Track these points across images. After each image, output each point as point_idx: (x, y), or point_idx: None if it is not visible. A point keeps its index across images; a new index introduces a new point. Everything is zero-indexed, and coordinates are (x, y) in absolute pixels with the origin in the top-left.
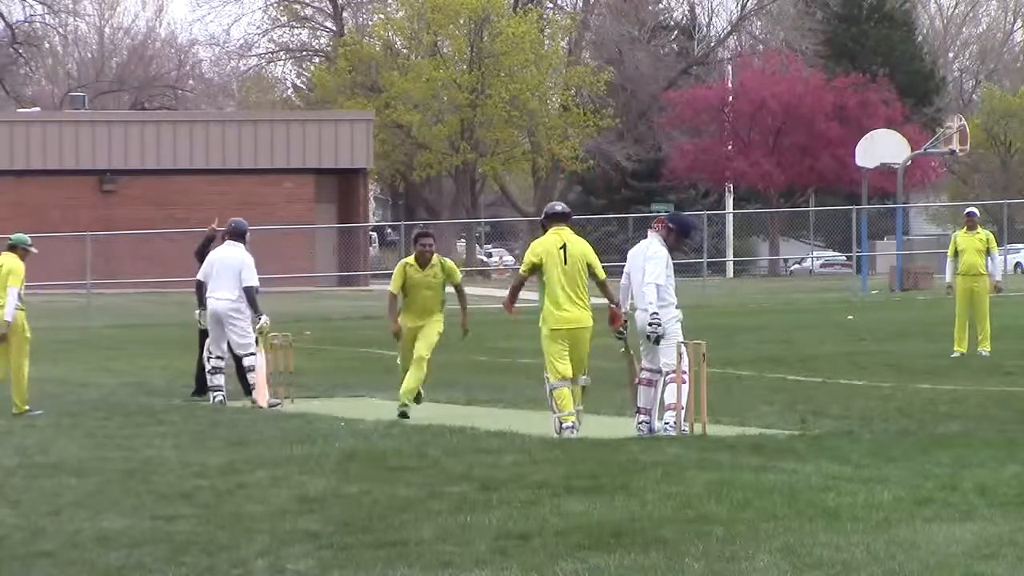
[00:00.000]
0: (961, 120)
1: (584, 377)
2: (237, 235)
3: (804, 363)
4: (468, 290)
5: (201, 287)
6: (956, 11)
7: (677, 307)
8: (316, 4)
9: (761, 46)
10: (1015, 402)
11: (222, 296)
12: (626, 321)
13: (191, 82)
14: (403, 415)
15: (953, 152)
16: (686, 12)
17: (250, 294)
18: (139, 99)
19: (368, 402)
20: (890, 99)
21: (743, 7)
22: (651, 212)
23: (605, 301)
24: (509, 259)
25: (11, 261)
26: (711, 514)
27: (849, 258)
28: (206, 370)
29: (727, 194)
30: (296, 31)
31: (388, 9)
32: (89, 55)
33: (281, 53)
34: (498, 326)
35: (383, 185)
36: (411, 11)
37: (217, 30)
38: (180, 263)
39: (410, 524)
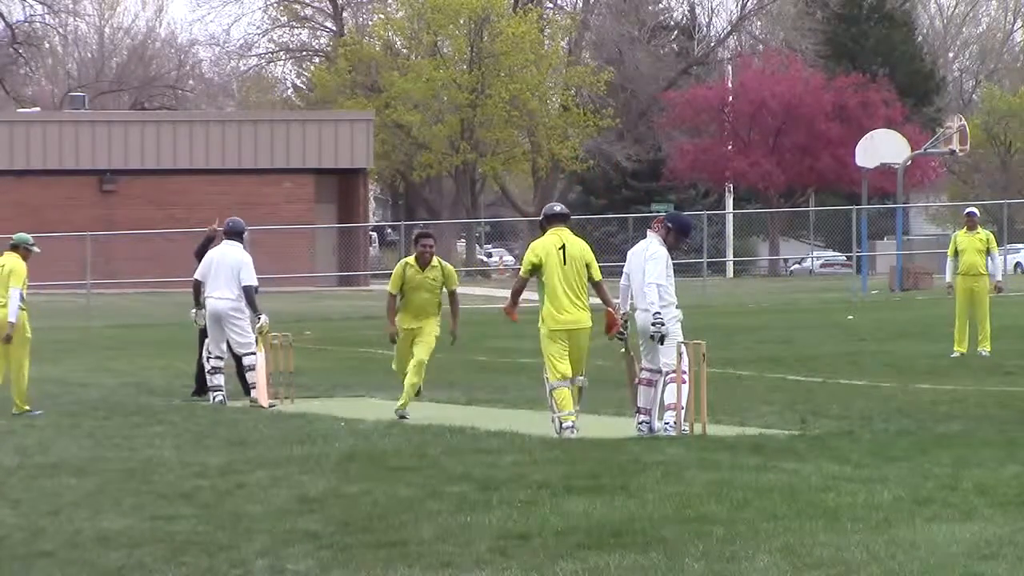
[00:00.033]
0: (961, 120)
1: (581, 378)
2: (234, 234)
3: (804, 363)
4: (468, 290)
5: (198, 287)
6: (956, 11)
7: (677, 307)
8: (316, 4)
9: (761, 46)
10: (1015, 402)
11: (222, 296)
12: (626, 322)
13: (191, 82)
14: (402, 416)
15: (953, 152)
16: (686, 12)
17: (249, 293)
18: (139, 99)
19: (368, 402)
20: (890, 99)
21: (743, 7)
22: (651, 212)
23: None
24: (509, 259)
25: (13, 261)
26: (711, 514)
27: (849, 258)
28: (206, 370)
29: (727, 194)
30: (296, 31)
31: (388, 9)
32: (89, 55)
33: (281, 53)
34: (498, 326)
35: (383, 185)
36: (411, 11)
37: (217, 30)
38: (180, 263)
39: (410, 524)
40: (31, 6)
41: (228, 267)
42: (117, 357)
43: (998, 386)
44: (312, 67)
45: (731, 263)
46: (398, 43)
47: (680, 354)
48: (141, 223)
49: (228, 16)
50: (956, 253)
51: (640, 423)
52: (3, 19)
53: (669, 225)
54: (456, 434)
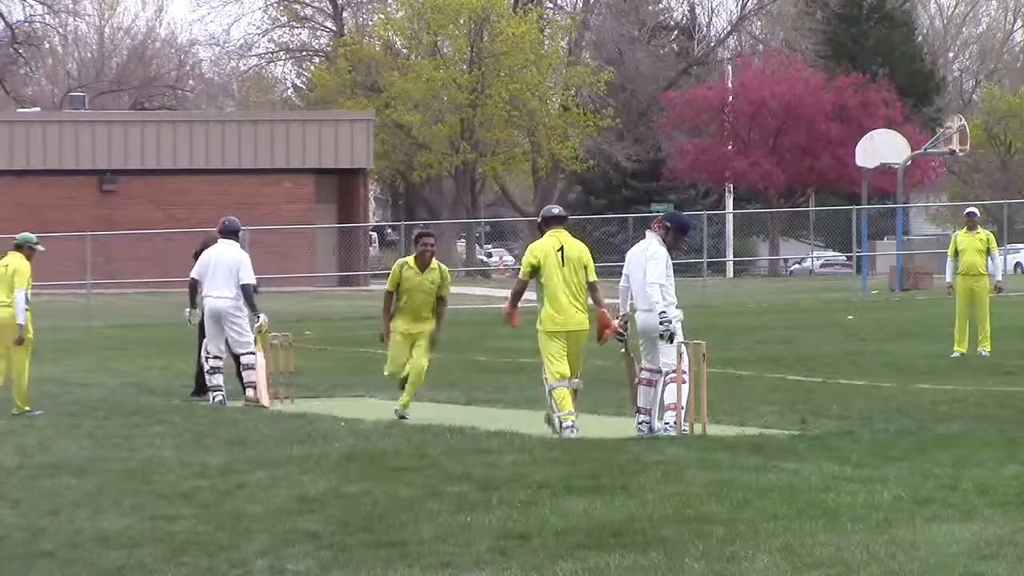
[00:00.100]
0: (961, 120)
1: (576, 381)
2: (230, 233)
3: (804, 363)
4: (468, 290)
5: (195, 286)
6: (956, 11)
7: (677, 307)
8: (316, 4)
9: (761, 46)
10: (1015, 402)
11: (221, 295)
12: (626, 323)
13: (191, 82)
14: (402, 416)
15: (953, 152)
16: (686, 12)
17: (247, 292)
18: (139, 99)
19: (368, 402)
20: (890, 99)
21: (743, 7)
22: (651, 212)
23: (611, 303)
24: (509, 259)
25: (16, 261)
26: (711, 514)
27: (849, 258)
28: (205, 370)
29: (727, 194)
30: (296, 31)
31: (388, 9)
32: (89, 55)
33: (281, 53)
34: (498, 326)
35: (383, 185)
36: (411, 11)
37: (217, 30)
38: (180, 263)
39: (410, 524)
40: (31, 6)
41: (226, 266)
42: (117, 357)
43: (998, 386)
44: (312, 67)
45: (731, 263)
46: (398, 43)
47: (680, 354)
48: (141, 223)
49: (228, 16)
50: (956, 253)
51: (640, 423)
52: (3, 19)
53: (668, 225)
54: (456, 434)
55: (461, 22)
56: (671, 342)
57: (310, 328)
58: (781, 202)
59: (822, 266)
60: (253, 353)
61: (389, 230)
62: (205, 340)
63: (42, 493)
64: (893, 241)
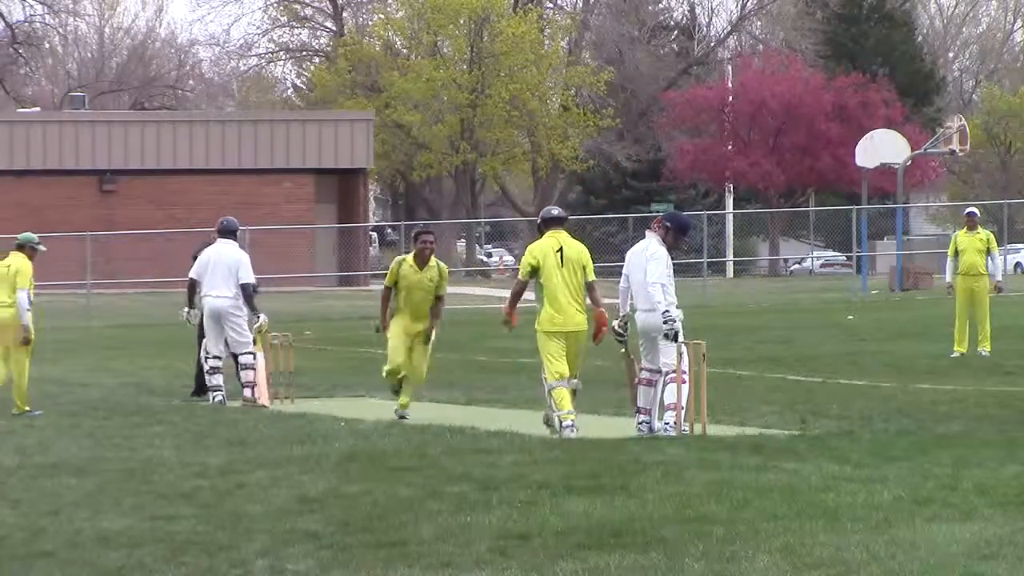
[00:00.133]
0: (961, 120)
1: (575, 381)
2: (229, 233)
3: (804, 363)
4: (468, 290)
5: (193, 285)
6: (956, 11)
7: (678, 307)
8: (316, 4)
9: (761, 46)
10: (1015, 402)
11: (221, 294)
12: (626, 323)
13: (191, 82)
14: (402, 416)
15: (953, 152)
16: (686, 12)
17: (247, 292)
18: (139, 99)
19: (368, 402)
20: (890, 99)
21: (743, 7)
22: (651, 212)
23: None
24: (509, 259)
25: (18, 261)
26: (711, 514)
27: (849, 258)
28: (204, 370)
29: (727, 194)
30: (296, 31)
31: (388, 9)
32: (89, 55)
33: (281, 53)
34: (498, 326)
35: (383, 185)
36: (411, 11)
37: (217, 30)
38: (180, 263)
39: (410, 524)
40: (31, 6)
41: (225, 266)
42: (117, 357)
43: (998, 386)
44: (312, 67)
45: (731, 263)
46: (398, 43)
47: (680, 354)
48: (141, 223)
49: (228, 16)
50: (956, 253)
51: (640, 423)
52: (3, 19)
53: (668, 225)
54: (456, 434)
55: (461, 22)
56: (676, 340)
57: (310, 328)
58: (781, 202)
59: (822, 266)
60: (251, 353)
61: (389, 230)
62: (204, 340)
63: (42, 493)
64: (893, 241)
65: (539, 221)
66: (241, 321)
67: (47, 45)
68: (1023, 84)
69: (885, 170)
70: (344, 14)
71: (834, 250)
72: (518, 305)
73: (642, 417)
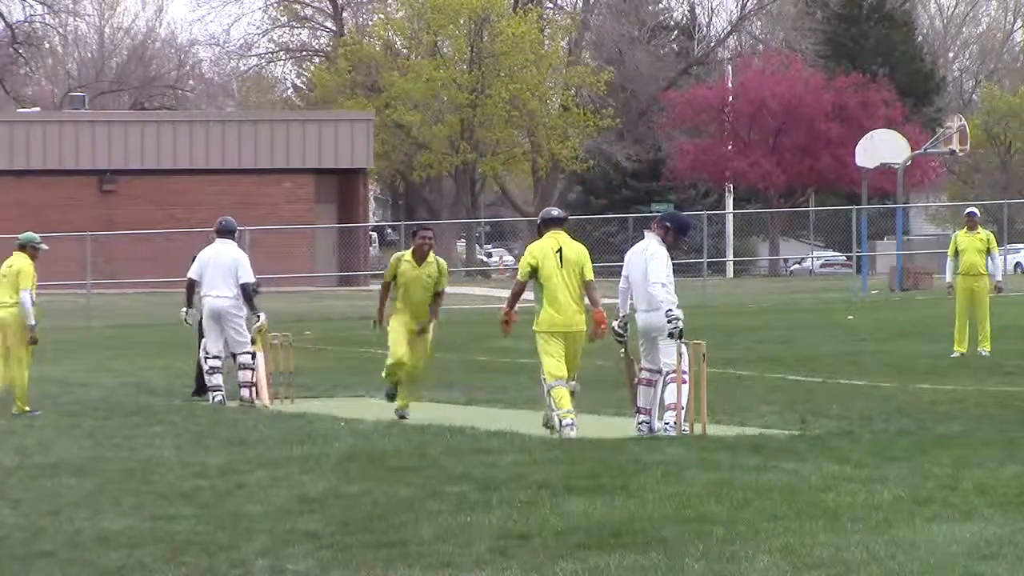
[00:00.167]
0: (961, 120)
1: (573, 383)
2: (227, 232)
3: (804, 363)
4: (468, 290)
5: (192, 286)
6: (956, 11)
7: (678, 307)
8: (316, 4)
9: (761, 46)
10: (1015, 402)
11: (221, 294)
12: (626, 323)
13: (191, 82)
14: (402, 416)
15: (953, 152)
16: (686, 12)
17: (247, 291)
18: (139, 99)
19: (368, 402)
20: (890, 99)
21: (743, 7)
22: (651, 212)
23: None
24: (509, 259)
25: (20, 261)
26: (711, 514)
27: (849, 258)
28: (204, 370)
29: (727, 194)
30: (296, 31)
31: (388, 9)
32: (89, 55)
33: (281, 53)
34: (497, 326)
35: (383, 185)
36: (411, 11)
37: (217, 30)
38: (180, 263)
39: (410, 524)
40: (31, 6)
41: (225, 266)
42: (117, 357)
43: (998, 386)
44: (312, 67)
45: (731, 263)
46: (398, 43)
47: (680, 354)
48: (141, 223)
49: (228, 16)
50: (956, 253)
51: (640, 423)
52: (3, 19)
53: (667, 225)
54: (456, 434)
55: (461, 22)
56: (681, 338)
57: (310, 328)
58: (781, 202)
59: (822, 266)
60: (250, 353)
61: (389, 230)
62: (204, 340)
63: (42, 493)
64: (893, 241)
65: (539, 221)
66: (241, 321)
67: (47, 45)
68: (1023, 84)
69: (885, 170)
70: (344, 14)
71: (834, 250)
72: (516, 306)
73: (642, 417)
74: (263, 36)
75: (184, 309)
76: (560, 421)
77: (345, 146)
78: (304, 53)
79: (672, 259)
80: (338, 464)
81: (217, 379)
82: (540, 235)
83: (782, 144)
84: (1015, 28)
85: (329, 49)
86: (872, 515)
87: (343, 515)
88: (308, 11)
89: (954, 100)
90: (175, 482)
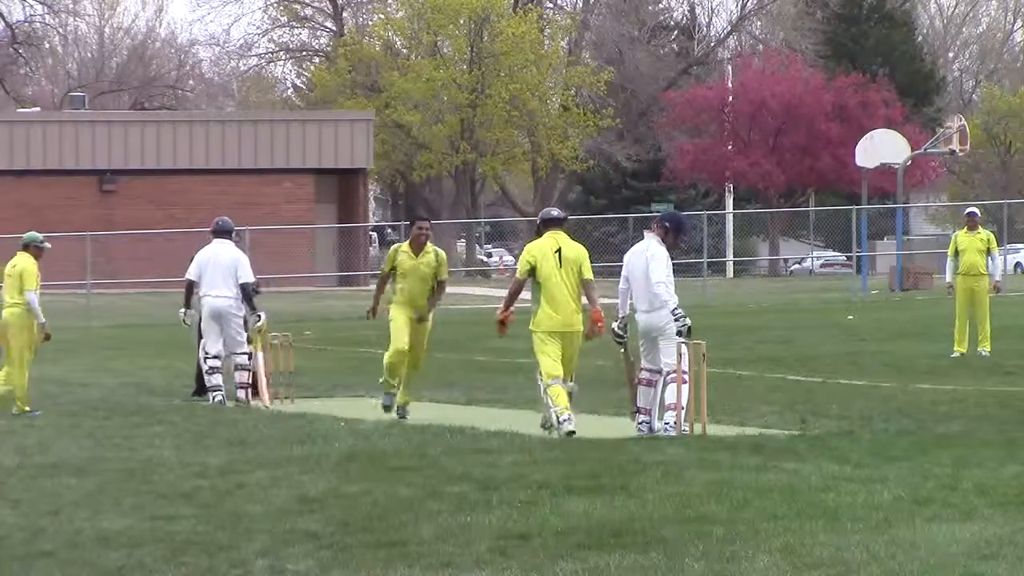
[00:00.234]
0: (961, 120)
1: (571, 384)
2: (224, 233)
3: (804, 363)
4: (468, 290)
5: (191, 286)
6: (956, 11)
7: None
8: (316, 4)
9: (761, 46)
10: (1015, 402)
11: (221, 294)
12: (626, 324)
13: (191, 82)
14: (402, 415)
15: (953, 152)
16: (686, 12)
17: (247, 291)
18: (139, 99)
19: (368, 402)
20: (890, 99)
21: (743, 7)
22: (651, 212)
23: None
24: (509, 259)
25: (24, 261)
26: (711, 514)
27: (849, 258)
28: (204, 370)
29: (727, 194)
30: (296, 31)
31: (388, 9)
32: (89, 55)
33: (281, 53)
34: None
35: (383, 185)
36: (411, 11)
37: (217, 30)
38: (179, 263)
39: (410, 524)
40: (31, 6)
41: (224, 266)
42: (117, 357)
43: (998, 386)
44: (312, 67)
45: (731, 263)
46: (398, 43)
47: (680, 354)
48: (141, 223)
49: (228, 16)
50: (956, 253)
51: (640, 423)
52: (3, 19)
53: (667, 225)
54: (456, 434)
55: (461, 22)
56: (690, 335)
57: (310, 328)
58: (781, 202)
59: (822, 266)
60: (246, 354)
61: (389, 230)
62: (203, 340)
63: (42, 493)
64: (893, 241)
65: (538, 221)
66: (241, 321)
67: (47, 45)
68: (1023, 84)
69: (885, 170)
70: (344, 14)
71: (834, 250)
72: (514, 305)
73: (642, 417)
74: (263, 36)
75: (183, 310)
76: (557, 417)
77: (345, 146)
78: (304, 53)
79: (672, 259)
80: (338, 464)
81: (217, 379)
82: (539, 235)
83: (782, 144)
84: (1015, 28)
85: (329, 49)
86: (872, 515)
87: (343, 515)
88: (308, 11)
89: (954, 100)
90: (175, 482)
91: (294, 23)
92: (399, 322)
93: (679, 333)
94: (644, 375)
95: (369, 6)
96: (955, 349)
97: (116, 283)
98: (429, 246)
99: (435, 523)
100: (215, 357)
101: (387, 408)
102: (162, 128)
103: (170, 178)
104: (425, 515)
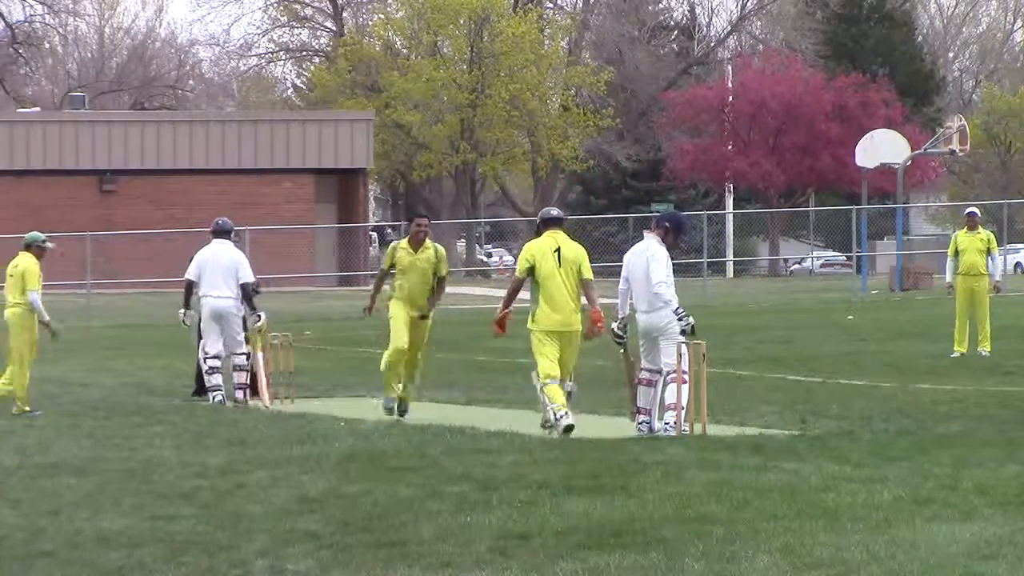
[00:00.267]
0: (961, 120)
1: (570, 383)
2: (224, 233)
3: (804, 363)
4: (468, 290)
5: (191, 287)
6: (956, 11)
7: None
8: (316, 4)
9: (761, 46)
10: (1015, 402)
11: (222, 294)
12: (625, 325)
13: (191, 82)
14: (403, 411)
15: (953, 152)
16: (686, 12)
17: (247, 291)
18: (139, 99)
19: (368, 402)
20: (890, 99)
21: (743, 7)
22: (651, 212)
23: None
24: (509, 259)
25: (26, 261)
26: (711, 514)
27: (849, 258)
28: (203, 370)
29: (727, 194)
30: (296, 31)
31: (388, 9)
32: (89, 55)
33: (281, 53)
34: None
35: (383, 185)
36: (411, 11)
37: (217, 30)
38: (179, 263)
39: (410, 524)
40: (31, 6)
41: (224, 266)
42: (117, 357)
43: (998, 386)
44: (312, 67)
45: (731, 263)
46: (398, 43)
47: (680, 354)
48: (141, 223)
49: (228, 16)
50: (956, 253)
51: (640, 423)
52: (3, 19)
53: (667, 225)
54: (456, 434)
55: (461, 22)
56: (693, 333)
57: (310, 328)
58: (781, 202)
59: (822, 266)
60: (244, 354)
61: (389, 230)
62: (203, 340)
63: (42, 493)
64: (893, 241)
65: (538, 221)
66: (240, 321)
67: (47, 45)
68: (1023, 84)
69: (885, 170)
70: (344, 14)
71: (834, 250)
72: (512, 304)
73: (642, 417)
74: (263, 36)
75: (182, 311)
76: (555, 415)
77: (345, 146)
78: (304, 53)
79: (672, 259)
80: (338, 464)
81: (217, 379)
82: (538, 234)
83: (782, 144)
84: (1015, 28)
85: (329, 49)
86: (872, 515)
87: (343, 515)
88: (308, 11)
89: (954, 100)
90: (175, 482)
91: (294, 23)
92: (399, 320)
93: (683, 332)
94: (644, 375)
95: (369, 6)
96: (955, 349)
97: (116, 283)
98: (428, 242)
99: (435, 523)
100: (215, 357)
101: (389, 411)
102: (162, 128)
103: (170, 178)
104: (425, 515)
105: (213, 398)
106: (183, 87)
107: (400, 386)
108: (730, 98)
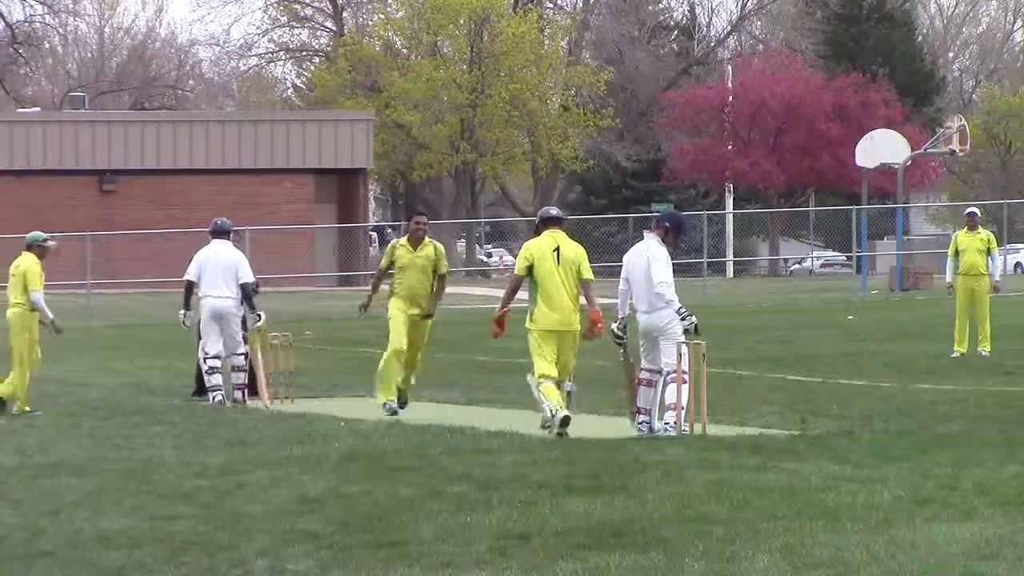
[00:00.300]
0: (961, 120)
1: (570, 384)
2: (223, 233)
3: (804, 363)
4: (468, 290)
5: (190, 287)
6: (956, 11)
7: None
8: (316, 4)
9: (761, 46)
10: (1015, 402)
11: (222, 294)
12: (625, 325)
13: (191, 82)
14: (402, 404)
15: (953, 152)
16: (686, 12)
17: (247, 291)
18: (139, 99)
19: (368, 402)
20: (890, 99)
21: (743, 7)
22: (651, 212)
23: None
24: (509, 259)
25: (27, 261)
26: (711, 514)
27: (849, 258)
28: (203, 370)
29: (727, 194)
30: (296, 31)
31: (388, 9)
32: (89, 55)
33: (281, 53)
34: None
35: (383, 185)
36: (411, 11)
37: (217, 30)
38: (179, 263)
39: (410, 524)
40: (31, 6)
41: (224, 267)
42: (117, 357)
43: (998, 386)
44: (312, 67)
45: (731, 263)
46: (398, 43)
47: (680, 354)
48: (141, 223)
49: (228, 16)
50: (956, 253)
51: (640, 423)
52: (3, 19)
53: (667, 225)
54: (456, 434)
55: (461, 22)
56: (697, 332)
57: (310, 328)
58: (781, 202)
59: (822, 266)
60: (243, 354)
61: (389, 230)
62: (203, 340)
63: (42, 493)
64: (893, 241)
65: (537, 220)
66: (239, 321)
67: (47, 45)
68: (1023, 84)
69: (885, 170)
70: (344, 14)
71: (834, 250)
72: (511, 304)
73: (642, 417)
74: (263, 36)
75: (182, 312)
76: (552, 412)
77: (345, 146)
78: (304, 53)
79: (672, 259)
80: (338, 464)
81: (217, 379)
82: (538, 234)
83: (782, 144)
84: (1015, 28)
85: (329, 49)
86: (872, 515)
87: (343, 515)
88: (308, 11)
89: (954, 100)
90: (175, 482)
91: (294, 23)
92: (398, 320)
93: (687, 331)
94: (644, 375)
95: (369, 6)
96: (955, 349)
97: (116, 283)
98: (427, 240)
99: (435, 523)
100: (215, 357)
101: (392, 412)
102: (162, 128)
103: (170, 178)
104: (425, 515)
105: (213, 398)
106: (183, 87)
107: (399, 380)
108: (730, 98)
